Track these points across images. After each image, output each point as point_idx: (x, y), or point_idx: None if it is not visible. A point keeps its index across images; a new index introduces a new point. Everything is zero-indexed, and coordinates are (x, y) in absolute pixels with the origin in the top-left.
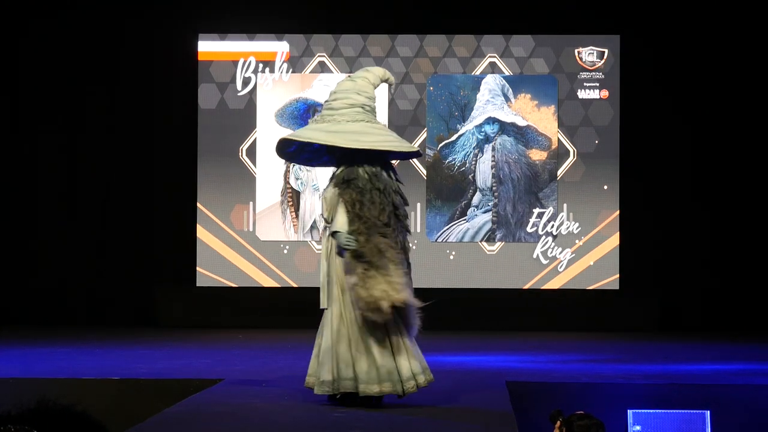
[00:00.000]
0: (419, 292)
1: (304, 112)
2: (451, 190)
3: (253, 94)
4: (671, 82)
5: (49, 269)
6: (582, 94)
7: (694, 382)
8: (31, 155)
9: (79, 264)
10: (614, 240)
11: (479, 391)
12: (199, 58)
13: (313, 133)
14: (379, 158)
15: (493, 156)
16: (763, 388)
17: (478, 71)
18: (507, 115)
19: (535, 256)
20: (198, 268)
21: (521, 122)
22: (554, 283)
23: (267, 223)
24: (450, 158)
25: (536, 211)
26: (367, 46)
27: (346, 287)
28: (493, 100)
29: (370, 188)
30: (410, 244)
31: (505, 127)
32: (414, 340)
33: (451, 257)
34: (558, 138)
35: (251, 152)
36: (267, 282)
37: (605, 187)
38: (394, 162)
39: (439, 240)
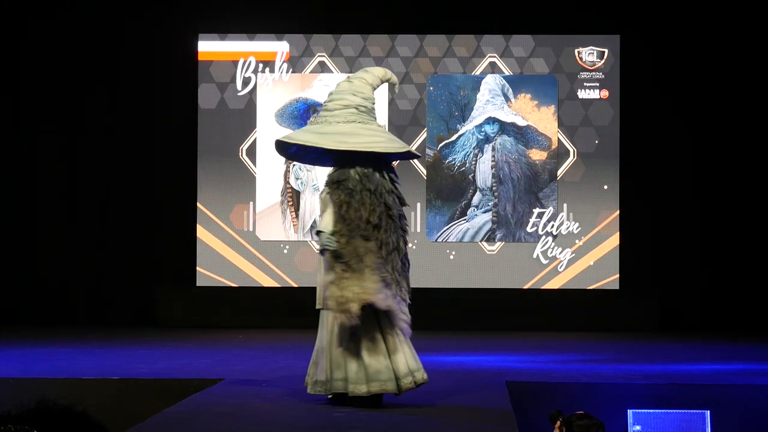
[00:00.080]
0: (419, 292)
1: (304, 112)
2: (451, 190)
3: (253, 94)
4: (671, 82)
5: (49, 269)
6: (582, 94)
7: (694, 382)
8: (31, 155)
9: (80, 264)
10: (614, 240)
11: (479, 391)
12: (199, 58)
13: (304, 135)
14: (376, 159)
15: (493, 156)
16: (763, 388)
17: (478, 71)
18: (507, 115)
19: (535, 256)
20: (198, 268)
21: (521, 122)
22: (554, 283)
23: (267, 223)
24: (450, 158)
25: (536, 211)
26: (367, 46)
27: (323, 284)
28: (493, 100)
29: (360, 189)
30: (410, 244)
31: (505, 127)
32: (409, 340)
33: (451, 257)
34: (558, 138)
35: (251, 152)
36: (267, 282)
37: (605, 187)
38: (395, 163)
39: (439, 240)
